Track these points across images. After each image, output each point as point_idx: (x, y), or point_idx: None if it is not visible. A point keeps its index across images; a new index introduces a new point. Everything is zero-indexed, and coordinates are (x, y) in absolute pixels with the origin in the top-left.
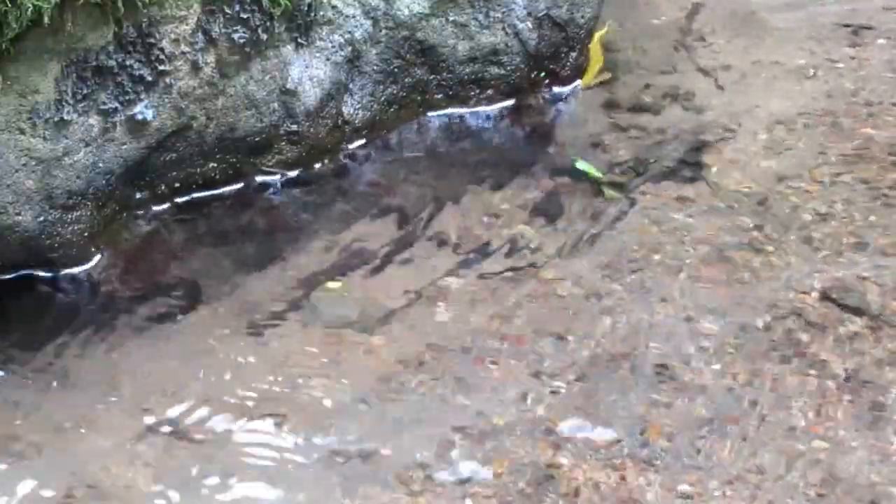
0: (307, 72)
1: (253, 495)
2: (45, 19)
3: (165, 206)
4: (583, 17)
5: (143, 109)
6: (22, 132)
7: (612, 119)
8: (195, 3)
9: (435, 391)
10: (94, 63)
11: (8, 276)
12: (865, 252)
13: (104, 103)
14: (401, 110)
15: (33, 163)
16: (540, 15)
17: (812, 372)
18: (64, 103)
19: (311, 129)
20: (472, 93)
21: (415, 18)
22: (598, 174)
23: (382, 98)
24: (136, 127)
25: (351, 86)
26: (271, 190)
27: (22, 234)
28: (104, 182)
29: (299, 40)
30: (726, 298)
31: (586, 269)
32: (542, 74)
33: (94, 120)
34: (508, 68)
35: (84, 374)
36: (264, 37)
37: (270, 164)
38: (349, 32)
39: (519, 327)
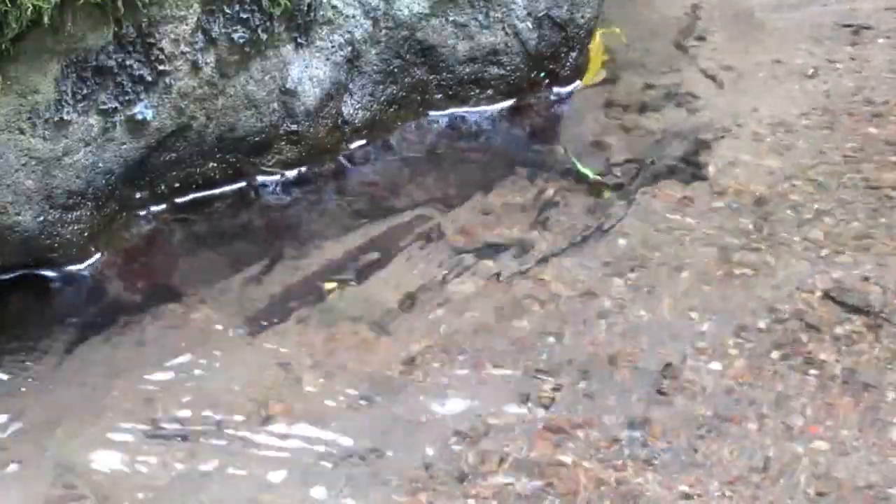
0: (307, 72)
1: (253, 495)
2: (45, 19)
3: (165, 205)
4: (583, 17)
5: (142, 109)
6: (22, 132)
7: (612, 119)
8: (195, 3)
9: (435, 391)
10: (94, 63)
11: (8, 276)
12: (865, 252)
13: (104, 103)
14: (401, 110)
15: (33, 163)
16: (540, 15)
17: (812, 372)
18: (64, 103)
19: (311, 129)
20: (472, 93)
21: (415, 18)
22: (597, 174)
23: (382, 98)
24: (136, 127)
25: (351, 86)
26: (271, 190)
27: (22, 233)
28: (104, 182)
29: (299, 40)
30: (726, 298)
31: (586, 269)
32: (542, 74)
33: (93, 120)
34: (508, 68)
35: (83, 374)
36: (264, 37)
37: (270, 164)
38: (349, 32)
39: (519, 327)
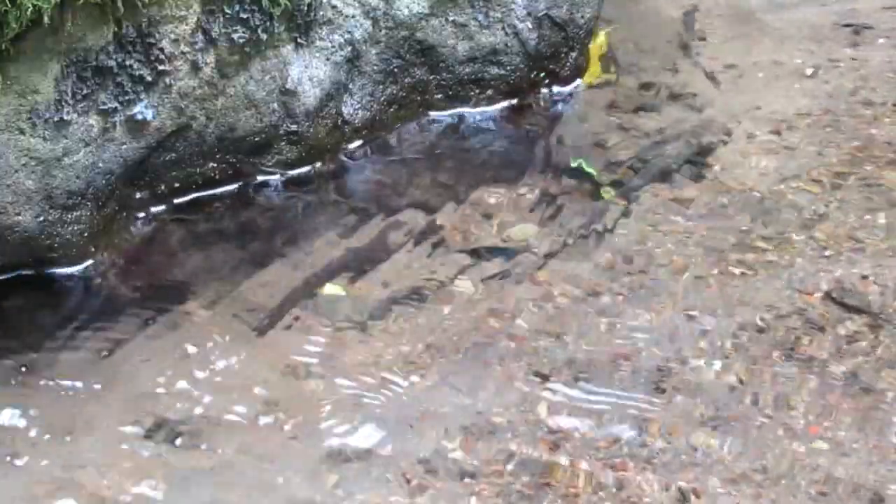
0: (307, 72)
1: (252, 495)
2: (45, 19)
3: (165, 206)
4: (583, 17)
5: (142, 109)
6: (22, 132)
7: (612, 119)
8: (195, 3)
9: (435, 391)
10: (94, 63)
11: (8, 276)
12: (865, 252)
13: (104, 103)
14: (400, 110)
15: (33, 163)
16: (540, 15)
17: (812, 372)
18: (64, 103)
19: (311, 129)
20: (472, 93)
21: (414, 18)
22: (597, 174)
23: (382, 98)
24: (136, 127)
25: (351, 86)
26: (271, 190)
27: (22, 233)
28: (104, 182)
29: (299, 40)
30: (726, 298)
31: (586, 268)
32: (542, 74)
33: (93, 120)
34: (508, 68)
35: (83, 374)
36: (264, 37)
37: (270, 164)
38: (349, 32)
39: (518, 327)
